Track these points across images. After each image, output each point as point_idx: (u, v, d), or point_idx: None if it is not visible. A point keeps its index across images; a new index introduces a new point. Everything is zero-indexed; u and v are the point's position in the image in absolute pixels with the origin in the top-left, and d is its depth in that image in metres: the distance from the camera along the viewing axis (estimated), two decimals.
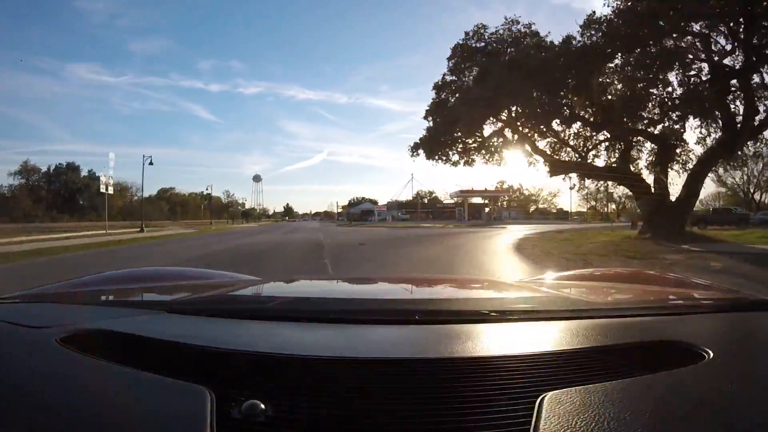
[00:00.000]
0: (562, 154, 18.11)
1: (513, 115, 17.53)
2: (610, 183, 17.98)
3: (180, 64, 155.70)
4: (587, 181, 18.54)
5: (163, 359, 0.63)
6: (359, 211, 77.31)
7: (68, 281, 1.30)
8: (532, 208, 74.44)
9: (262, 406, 0.51)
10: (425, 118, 19.28)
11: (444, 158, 19.38)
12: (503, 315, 0.83)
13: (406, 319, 0.81)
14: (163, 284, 1.33)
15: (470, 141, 18.61)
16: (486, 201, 69.11)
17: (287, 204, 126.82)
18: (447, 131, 18.07)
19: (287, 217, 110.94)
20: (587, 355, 0.65)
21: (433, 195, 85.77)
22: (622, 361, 0.64)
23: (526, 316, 0.85)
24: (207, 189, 65.88)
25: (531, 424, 0.49)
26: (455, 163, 19.43)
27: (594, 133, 17.26)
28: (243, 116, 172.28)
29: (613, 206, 69.56)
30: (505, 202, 74.26)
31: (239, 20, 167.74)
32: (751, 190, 53.92)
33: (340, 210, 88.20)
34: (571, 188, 19.29)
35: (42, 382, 0.58)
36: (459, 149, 19.03)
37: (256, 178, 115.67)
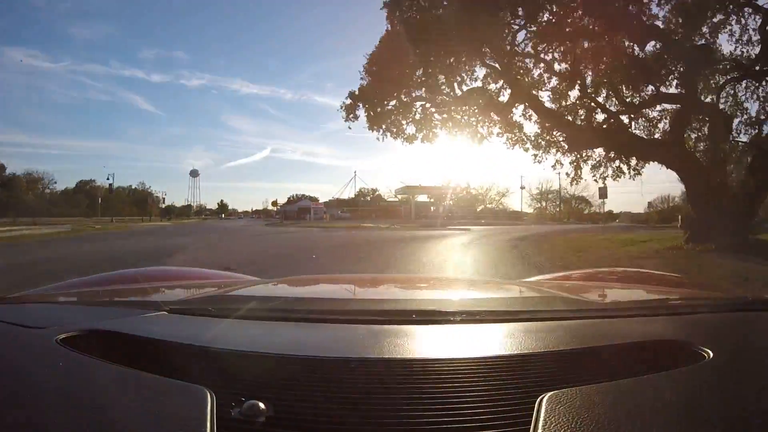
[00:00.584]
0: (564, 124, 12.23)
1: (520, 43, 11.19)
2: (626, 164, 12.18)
3: (121, 52, 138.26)
4: (582, 164, 12.66)
5: (163, 359, 0.63)
6: (296, 209, 69.35)
7: (68, 281, 1.30)
8: (480, 208, 70.77)
9: (262, 406, 0.51)
10: (368, 66, 12.62)
11: (394, 129, 12.82)
12: (504, 315, 0.84)
13: (406, 320, 0.80)
14: (163, 284, 1.34)
15: (437, 97, 12.17)
16: (431, 200, 64.55)
17: (221, 200, 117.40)
18: (400, 79, 11.54)
19: (222, 215, 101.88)
20: (587, 355, 0.65)
21: (377, 193, 79.52)
22: (622, 361, 0.64)
23: (526, 316, 0.85)
24: (108, 178, 55.64)
25: (531, 424, 0.48)
26: (410, 138, 12.93)
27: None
28: (185, 109, 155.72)
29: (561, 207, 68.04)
30: (451, 202, 70.19)
31: (185, 8, 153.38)
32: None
33: (271, 207, 79.71)
34: (568, 176, 13.37)
35: (42, 382, 0.58)
36: (415, 116, 12.64)
37: (194, 173, 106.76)
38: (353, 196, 77.28)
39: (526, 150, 12.76)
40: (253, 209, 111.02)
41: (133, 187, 79.64)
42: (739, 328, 0.83)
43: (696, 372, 0.60)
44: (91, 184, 72.60)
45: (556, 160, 12.71)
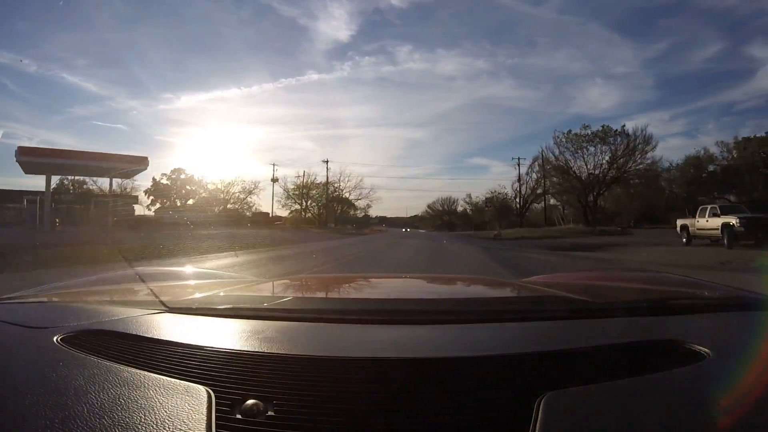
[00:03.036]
0: None
1: None
2: None
3: None
4: None
5: (163, 359, 0.63)
6: None
7: (68, 281, 1.35)
8: (219, 209, 52.25)
9: (262, 406, 0.52)
10: None
11: None
12: (503, 315, 0.84)
13: (405, 319, 0.80)
14: (163, 284, 1.31)
15: None
16: (151, 198, 44.21)
17: None
18: None
19: None
20: (587, 355, 0.64)
21: (85, 186, 56.97)
22: (622, 361, 0.63)
23: (526, 315, 0.84)
24: None
25: (531, 424, 0.48)
26: None
27: None
28: None
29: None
30: (177, 201, 50.62)
31: None
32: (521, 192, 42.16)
33: None
34: None
35: (42, 382, 0.58)
36: None
37: None
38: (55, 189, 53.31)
39: None
40: None
41: None
42: (739, 328, 0.84)
43: (696, 372, 0.60)
44: None
45: None
